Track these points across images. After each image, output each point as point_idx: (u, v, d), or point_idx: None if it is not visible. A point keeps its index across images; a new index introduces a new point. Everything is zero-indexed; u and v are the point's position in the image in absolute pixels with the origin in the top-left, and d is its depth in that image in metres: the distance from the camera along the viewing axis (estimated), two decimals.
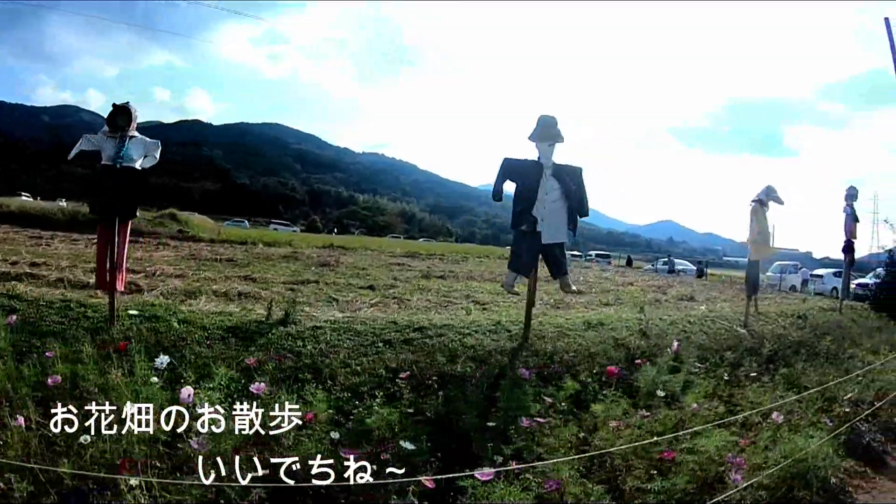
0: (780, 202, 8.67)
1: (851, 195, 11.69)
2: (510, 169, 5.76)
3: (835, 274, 23.84)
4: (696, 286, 17.35)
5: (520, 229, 5.73)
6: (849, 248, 11.79)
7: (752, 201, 8.70)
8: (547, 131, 5.65)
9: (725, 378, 5.32)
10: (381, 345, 5.09)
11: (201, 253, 13.26)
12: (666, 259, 37.28)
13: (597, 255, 43.51)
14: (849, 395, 5.46)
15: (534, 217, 5.57)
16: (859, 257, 13.75)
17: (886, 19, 15.63)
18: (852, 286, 19.97)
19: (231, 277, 9.35)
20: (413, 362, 4.77)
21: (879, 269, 14.39)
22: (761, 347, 6.98)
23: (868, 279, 18.07)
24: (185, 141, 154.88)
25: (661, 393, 4.34)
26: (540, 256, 5.81)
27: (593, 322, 6.79)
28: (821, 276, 23.45)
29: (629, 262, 38.60)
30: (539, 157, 5.70)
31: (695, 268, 33.22)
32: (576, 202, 5.75)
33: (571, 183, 5.71)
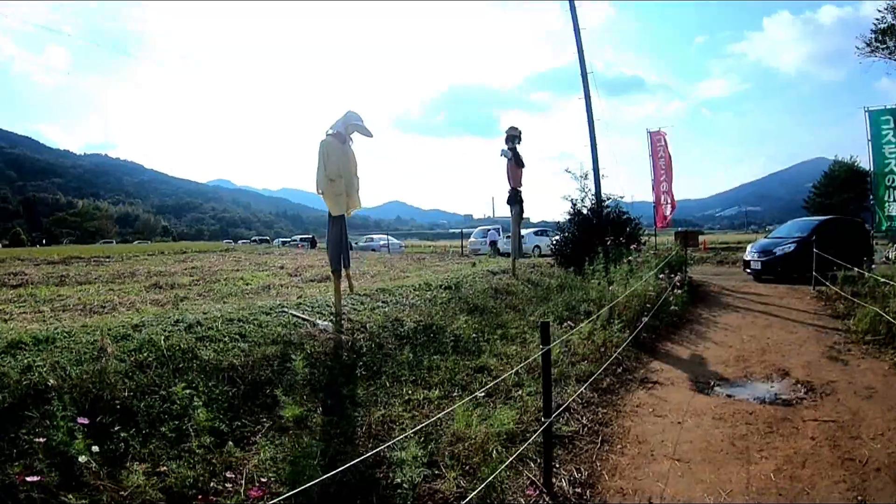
0: (369, 134, 6.11)
1: (512, 136, 9.81)
2: None
3: (535, 233, 24.32)
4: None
5: None
6: (514, 197, 9.94)
7: (327, 134, 5.98)
8: None
9: None
10: None
11: None
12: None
13: (301, 240, 44.53)
14: None
15: None
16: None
17: (571, 1, 14.53)
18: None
19: None
20: None
21: (562, 220, 13.01)
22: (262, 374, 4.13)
23: None
24: None
25: None
26: None
27: None
28: (522, 237, 23.57)
29: (313, 244, 39.61)
30: None
31: (398, 242, 34.98)
32: None
33: None
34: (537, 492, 2.93)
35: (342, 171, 5.91)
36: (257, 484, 2.90)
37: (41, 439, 2.89)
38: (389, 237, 35.10)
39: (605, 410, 4.30)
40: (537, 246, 22.49)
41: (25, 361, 3.72)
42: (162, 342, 4.36)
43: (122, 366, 3.87)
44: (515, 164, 9.79)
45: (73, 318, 5.75)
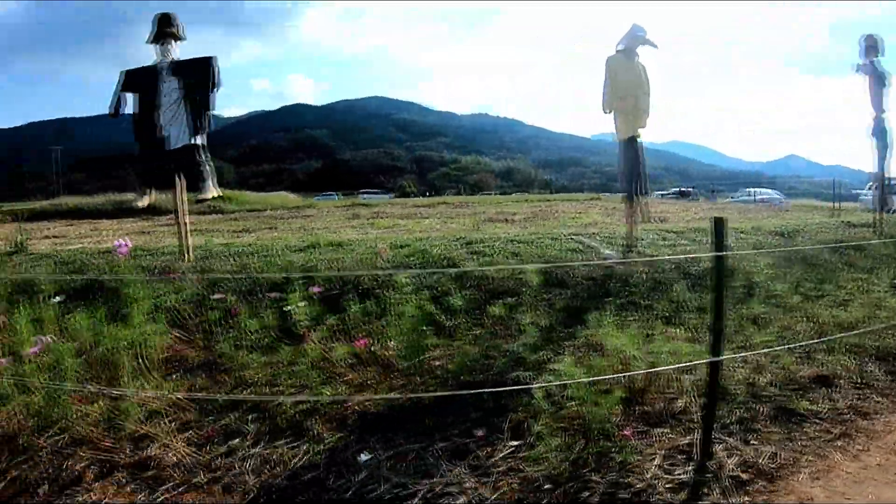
0: (654, 45, 5.70)
1: (871, 46, 7.44)
2: (127, 80, 5.26)
3: None
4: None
5: (143, 141, 5.24)
6: (878, 127, 7.52)
7: (617, 50, 5.73)
8: (159, 30, 5.23)
9: None
10: None
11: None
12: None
13: (675, 192, 42.99)
14: None
15: (155, 124, 5.10)
16: None
17: None
18: None
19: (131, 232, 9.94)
20: None
21: None
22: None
23: None
24: (288, 125, 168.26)
25: None
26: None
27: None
28: None
29: (681, 194, 39.13)
30: (159, 61, 5.25)
31: (778, 196, 33.21)
32: (198, 96, 5.10)
33: (192, 77, 5.12)
34: (683, 457, 2.40)
35: (630, 90, 5.60)
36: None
37: (275, 294, 3.83)
38: (752, 190, 33.76)
39: None
40: None
41: (311, 256, 4.99)
42: (432, 251, 5.19)
43: (382, 263, 4.73)
44: (879, 83, 7.41)
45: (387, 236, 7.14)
